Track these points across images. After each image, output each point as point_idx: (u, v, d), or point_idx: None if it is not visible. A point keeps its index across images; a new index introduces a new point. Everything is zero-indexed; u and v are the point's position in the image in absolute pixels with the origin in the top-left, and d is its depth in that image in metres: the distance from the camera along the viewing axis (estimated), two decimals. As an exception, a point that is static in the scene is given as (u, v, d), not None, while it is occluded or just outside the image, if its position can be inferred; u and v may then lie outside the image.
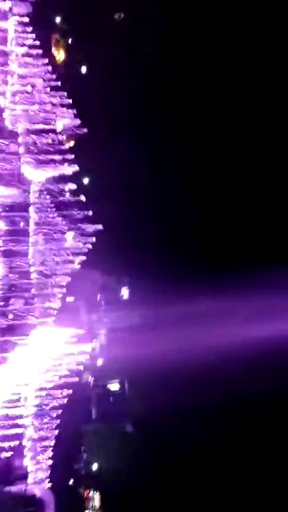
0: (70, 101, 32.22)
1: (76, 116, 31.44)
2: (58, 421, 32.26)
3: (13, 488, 18.62)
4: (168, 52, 48.72)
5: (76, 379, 40.84)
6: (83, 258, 39.33)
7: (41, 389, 30.21)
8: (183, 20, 48.25)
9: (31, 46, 29.46)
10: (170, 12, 47.67)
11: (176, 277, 51.09)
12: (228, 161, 51.13)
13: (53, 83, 30.73)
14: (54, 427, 31.09)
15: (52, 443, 30.37)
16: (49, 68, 29.36)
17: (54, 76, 30.97)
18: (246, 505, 44.90)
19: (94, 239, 39.10)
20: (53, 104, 30.32)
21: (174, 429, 47.89)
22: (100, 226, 37.65)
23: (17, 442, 25.18)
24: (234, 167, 51.49)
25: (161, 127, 49.86)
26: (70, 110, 31.21)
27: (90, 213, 32.65)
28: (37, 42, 29.73)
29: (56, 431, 31.72)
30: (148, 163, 50.26)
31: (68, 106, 32.43)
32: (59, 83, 31.36)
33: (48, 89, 28.76)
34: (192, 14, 48.44)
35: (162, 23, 47.62)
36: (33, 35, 29.81)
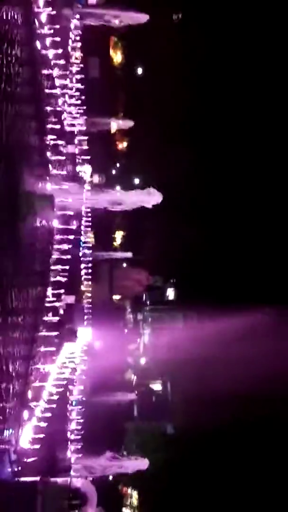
0: (124, 102, 32.68)
1: (130, 117, 31.91)
2: (100, 417, 32.84)
3: (59, 480, 19.22)
4: (224, 55, 48.28)
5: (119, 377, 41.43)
6: (126, 256, 39.82)
7: (85, 385, 30.94)
8: (241, 24, 47.65)
9: (88, 49, 30.07)
10: (229, 15, 47.23)
11: (226, 283, 50.55)
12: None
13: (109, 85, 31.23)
14: (97, 423, 31.61)
15: (94, 438, 30.97)
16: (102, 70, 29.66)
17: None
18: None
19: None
20: (108, 106, 30.83)
21: (215, 435, 47.40)
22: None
23: (60, 435, 25.91)
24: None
25: (215, 133, 49.53)
26: (123, 112, 31.68)
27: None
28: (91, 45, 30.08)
29: (99, 427, 32.27)
30: (198, 167, 50.15)
31: (122, 108, 32.97)
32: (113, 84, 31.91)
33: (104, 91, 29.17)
34: (251, 18, 47.72)
35: (220, 26, 47.28)
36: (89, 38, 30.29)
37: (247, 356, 46.37)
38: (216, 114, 49.91)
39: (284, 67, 49.82)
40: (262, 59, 49.88)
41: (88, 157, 30.63)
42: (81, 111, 29.83)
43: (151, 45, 46.72)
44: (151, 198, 25.56)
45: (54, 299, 23.65)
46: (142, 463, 26.66)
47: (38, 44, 21.06)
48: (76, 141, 29.89)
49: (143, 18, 34.48)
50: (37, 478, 16.67)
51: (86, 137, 29.98)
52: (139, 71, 48.58)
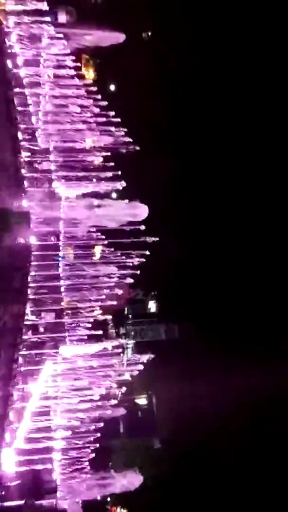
0: (101, 119, 32.98)
1: (107, 134, 32.17)
2: (87, 435, 32.34)
3: (44, 502, 18.70)
4: (194, 68, 49.34)
5: (103, 392, 40.86)
6: (113, 271, 39.62)
7: (70, 403, 30.46)
8: (208, 35, 48.87)
9: (62, 67, 30.38)
10: (195, 28, 48.41)
11: (207, 295, 50.83)
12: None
13: (83, 102, 31.49)
14: (82, 442, 31.12)
15: (81, 457, 30.43)
16: (79, 87, 30.02)
17: (83, 95, 31.68)
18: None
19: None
20: (84, 123, 31.04)
21: (202, 449, 47.17)
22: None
23: (46, 456, 25.36)
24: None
25: (191, 143, 50.24)
26: (100, 128, 31.98)
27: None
28: (69, 63, 30.54)
29: (85, 445, 31.75)
30: (176, 179, 50.69)
31: (98, 124, 33.25)
32: (89, 101, 32.21)
33: (78, 108, 29.42)
34: (217, 28, 48.99)
35: (188, 40, 48.38)
36: (64, 57, 30.68)
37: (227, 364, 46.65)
38: (191, 125, 50.74)
39: (258, 75, 50.98)
40: (232, 68, 51.06)
41: (64, 173, 30.69)
42: (55, 128, 29.95)
43: (122, 61, 47.48)
44: (139, 211, 25.66)
45: (33, 317, 23.35)
46: (135, 479, 26.30)
47: (9, 64, 21.17)
48: (51, 158, 29.94)
49: (119, 37, 34.70)
50: (22, 502, 16.19)
51: (61, 154, 30.08)
52: (112, 87, 49.22)
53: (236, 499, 45.41)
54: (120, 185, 31.86)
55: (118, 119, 32.41)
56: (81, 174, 30.35)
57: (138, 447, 51.23)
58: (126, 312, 58.27)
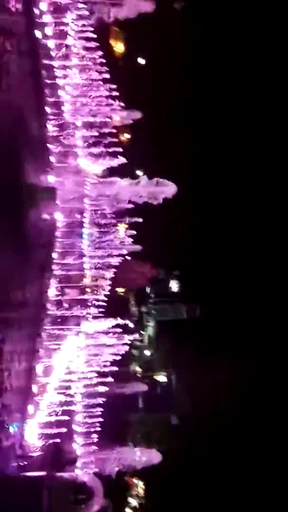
0: (127, 93, 32.20)
1: (132, 109, 31.46)
2: (105, 409, 32.97)
3: (65, 475, 19.23)
4: (228, 44, 47.45)
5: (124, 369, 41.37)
6: (135, 249, 39.51)
7: (89, 377, 30.95)
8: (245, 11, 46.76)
9: (89, 39, 29.55)
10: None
11: (230, 275, 50.26)
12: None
13: (109, 76, 30.71)
14: (101, 415, 31.71)
15: (99, 430, 31.09)
16: (104, 61, 28.99)
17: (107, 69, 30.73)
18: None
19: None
20: (111, 97, 30.36)
21: (219, 425, 47.60)
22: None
23: (67, 428, 25.97)
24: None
25: (219, 123, 48.84)
26: (123, 103, 31.25)
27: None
28: (94, 35, 29.54)
29: (103, 419, 32.41)
30: (202, 158, 49.58)
31: (125, 99, 32.46)
32: (116, 75, 31.41)
33: (105, 82, 28.61)
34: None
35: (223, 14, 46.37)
36: (91, 27, 29.73)
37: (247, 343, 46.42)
38: (221, 104, 49.19)
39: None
40: (266, 48, 49.04)
41: (91, 149, 30.30)
42: (83, 102, 29.40)
43: (153, 34, 45.96)
44: (167, 189, 25.21)
45: (58, 293, 23.53)
46: (154, 456, 26.74)
47: (38, 34, 20.65)
48: (78, 133, 29.52)
49: (147, 7, 33.68)
50: (43, 473, 16.64)
51: (89, 129, 29.61)
52: (141, 61, 47.83)
53: (253, 476, 45.85)
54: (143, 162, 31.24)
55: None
56: (108, 150, 29.85)
57: (156, 422, 52.09)
58: (147, 291, 58.38)
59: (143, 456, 25.71)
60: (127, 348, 26.14)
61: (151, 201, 25.44)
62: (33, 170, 20.63)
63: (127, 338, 26.01)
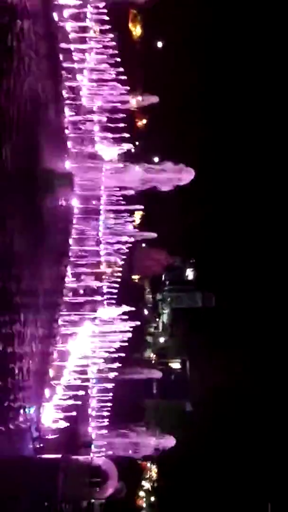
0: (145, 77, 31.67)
1: (151, 93, 31.02)
2: (120, 394, 33.26)
3: (80, 458, 19.51)
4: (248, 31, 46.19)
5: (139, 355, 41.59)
6: (151, 236, 39.37)
7: (103, 362, 31.21)
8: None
9: (106, 22, 29.02)
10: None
11: (245, 264, 49.74)
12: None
13: (127, 60, 30.12)
14: (116, 400, 31.97)
15: (114, 414, 31.42)
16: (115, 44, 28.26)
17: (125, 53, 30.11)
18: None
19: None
20: (127, 82, 29.86)
21: (232, 413, 47.65)
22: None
23: (83, 412, 26.30)
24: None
25: (238, 108, 47.83)
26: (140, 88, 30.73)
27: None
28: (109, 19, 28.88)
29: (118, 404, 32.69)
30: (218, 144, 48.74)
31: (142, 84, 32.02)
32: (134, 59, 30.84)
33: (118, 66, 28.03)
34: None
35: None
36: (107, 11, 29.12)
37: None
38: (238, 89, 48.15)
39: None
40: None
41: (108, 135, 30.03)
42: (100, 87, 29.04)
43: (171, 17, 45.03)
44: (185, 175, 24.81)
45: (74, 279, 23.60)
46: (169, 441, 26.92)
47: (55, 16, 20.32)
48: (95, 118, 29.26)
49: None
50: (59, 456, 16.89)
51: (105, 114, 29.30)
52: (159, 44, 46.96)
53: (266, 464, 45.94)
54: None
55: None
56: (123, 135, 29.48)
57: (171, 408, 52.43)
58: (163, 279, 58.27)
59: (157, 440, 25.89)
60: (130, 335, 26.10)
61: (161, 187, 25.03)
62: (50, 156, 20.52)
63: (129, 325, 25.88)
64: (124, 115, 28.99)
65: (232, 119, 49.32)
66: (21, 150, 15.81)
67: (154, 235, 37.72)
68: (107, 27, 28.19)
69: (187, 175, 24.73)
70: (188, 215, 50.61)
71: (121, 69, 26.93)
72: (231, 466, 47.36)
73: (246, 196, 50.95)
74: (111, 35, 27.48)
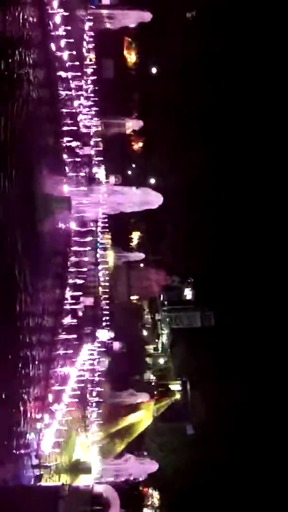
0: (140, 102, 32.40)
1: (145, 117, 31.68)
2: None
3: (81, 486, 19.09)
4: (240, 52, 47.53)
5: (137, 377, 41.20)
6: (139, 257, 39.52)
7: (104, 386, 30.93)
8: (256, 19, 46.86)
9: (102, 50, 29.81)
10: (242, 10, 46.46)
11: (244, 283, 49.89)
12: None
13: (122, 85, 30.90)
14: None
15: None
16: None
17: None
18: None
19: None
20: (123, 106, 30.56)
21: (235, 436, 46.99)
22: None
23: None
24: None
25: (232, 131, 48.80)
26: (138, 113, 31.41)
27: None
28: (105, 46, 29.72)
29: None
30: (215, 166, 49.55)
31: (137, 109, 32.73)
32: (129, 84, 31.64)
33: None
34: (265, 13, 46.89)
35: (234, 22, 46.54)
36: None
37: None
38: (233, 112, 49.17)
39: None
40: (281, 59, 48.91)
41: (103, 159, 30.51)
42: (96, 112, 29.68)
43: (165, 44, 46.33)
44: (153, 199, 25.13)
45: (73, 301, 23.57)
46: (151, 466, 26.46)
47: (52, 46, 20.96)
48: (92, 143, 29.78)
49: (147, 16, 34.33)
50: (59, 483, 16.52)
51: (101, 139, 29.84)
52: (153, 70, 48.22)
53: (271, 487, 45.07)
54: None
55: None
56: (120, 159, 29.94)
57: (171, 431, 51.68)
58: (161, 299, 58.25)
59: (142, 465, 25.43)
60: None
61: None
62: (48, 180, 20.82)
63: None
64: (121, 140, 29.53)
65: (229, 141, 50.22)
66: (19, 175, 16.04)
67: (141, 255, 37.91)
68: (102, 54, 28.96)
69: (155, 199, 24.99)
70: (186, 235, 51.00)
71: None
72: (236, 490, 46.43)
73: (245, 216, 51.47)
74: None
